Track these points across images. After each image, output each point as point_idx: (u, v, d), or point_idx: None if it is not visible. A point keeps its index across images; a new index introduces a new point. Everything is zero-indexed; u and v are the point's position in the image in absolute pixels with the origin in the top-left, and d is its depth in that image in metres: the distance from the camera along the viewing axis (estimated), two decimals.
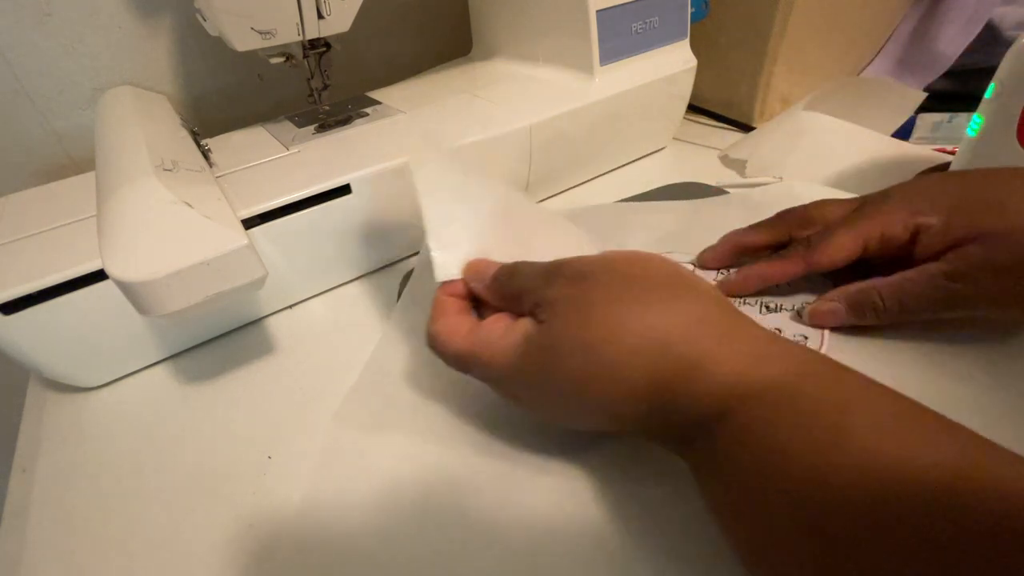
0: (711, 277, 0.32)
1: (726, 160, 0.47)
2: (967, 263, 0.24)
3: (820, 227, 0.29)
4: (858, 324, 0.27)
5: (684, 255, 0.34)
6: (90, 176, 0.36)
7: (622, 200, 0.42)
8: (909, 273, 0.25)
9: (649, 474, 0.24)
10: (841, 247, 0.27)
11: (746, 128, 0.53)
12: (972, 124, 0.32)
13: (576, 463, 0.25)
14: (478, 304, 0.27)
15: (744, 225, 0.32)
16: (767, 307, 0.30)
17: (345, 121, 0.42)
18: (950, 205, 0.25)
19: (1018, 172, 0.25)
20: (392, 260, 0.41)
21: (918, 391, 0.18)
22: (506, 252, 0.26)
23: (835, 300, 0.27)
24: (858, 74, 0.58)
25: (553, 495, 0.24)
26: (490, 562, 0.22)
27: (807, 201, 0.30)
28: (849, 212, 0.28)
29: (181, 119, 0.41)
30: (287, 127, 0.42)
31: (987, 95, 0.31)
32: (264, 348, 0.35)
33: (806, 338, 0.27)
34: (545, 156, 0.42)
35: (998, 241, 0.23)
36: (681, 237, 0.36)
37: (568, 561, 0.22)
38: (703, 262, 0.32)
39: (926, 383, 0.25)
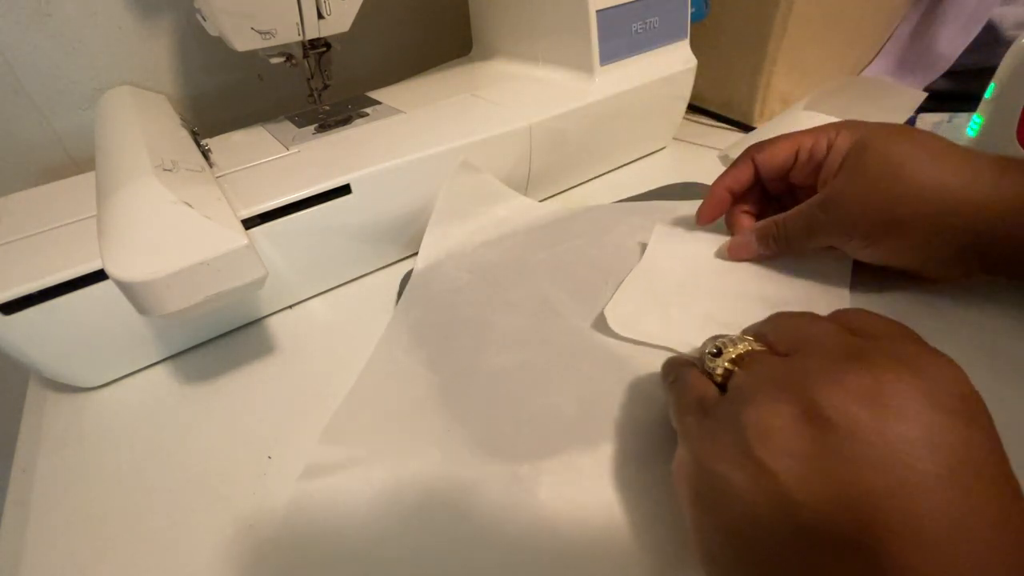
0: (709, 241, 0.33)
1: (726, 160, 0.47)
2: (833, 196, 0.27)
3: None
4: (765, 255, 0.31)
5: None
6: (90, 176, 0.36)
7: (622, 200, 0.42)
8: (801, 206, 0.29)
9: (651, 476, 0.24)
10: (780, 148, 0.30)
11: (746, 128, 0.53)
12: (972, 124, 0.32)
13: (576, 464, 0.25)
14: None
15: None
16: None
17: (345, 121, 0.42)
18: (857, 139, 0.27)
19: (931, 145, 0.26)
20: (392, 260, 0.41)
21: None
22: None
23: (749, 233, 0.31)
24: (858, 74, 0.58)
25: (553, 496, 0.24)
26: (491, 562, 0.22)
27: None
28: None
29: (181, 119, 0.41)
30: (287, 127, 0.42)
31: (987, 95, 0.31)
32: (264, 348, 0.35)
33: None
34: (545, 156, 0.42)
35: (864, 185, 0.26)
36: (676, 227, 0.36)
37: (569, 562, 0.22)
38: (701, 218, 0.34)
39: None
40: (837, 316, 0.19)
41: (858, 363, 0.15)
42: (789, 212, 0.29)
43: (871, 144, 0.26)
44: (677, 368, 0.23)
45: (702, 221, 0.33)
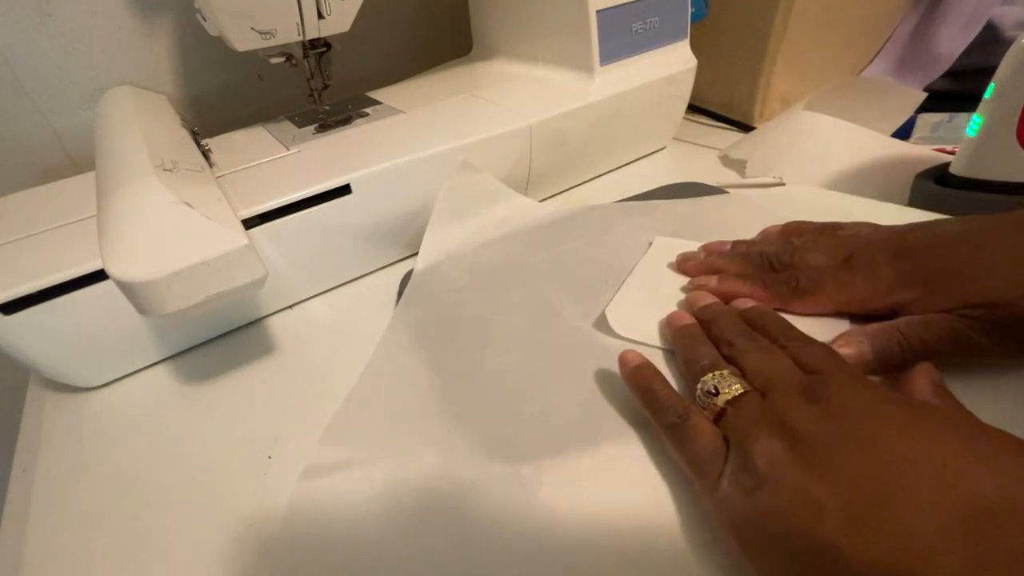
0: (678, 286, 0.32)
1: (726, 160, 0.47)
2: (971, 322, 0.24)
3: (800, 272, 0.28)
4: (878, 368, 0.25)
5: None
6: (90, 176, 0.36)
7: (622, 200, 0.42)
8: (928, 316, 0.25)
9: (651, 476, 0.24)
10: (819, 306, 0.28)
11: (746, 128, 0.53)
12: (972, 124, 0.32)
13: (577, 465, 0.25)
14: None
15: (744, 226, 0.32)
16: None
17: (345, 121, 0.42)
18: (927, 278, 0.25)
19: (998, 235, 0.24)
20: (392, 260, 0.41)
21: None
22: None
23: (861, 340, 0.25)
24: (858, 74, 0.58)
25: (553, 497, 0.24)
26: (491, 563, 0.22)
27: (805, 205, 0.30)
28: (836, 264, 0.28)
29: (181, 119, 0.41)
30: (287, 127, 0.42)
31: (987, 95, 0.31)
32: (264, 348, 0.35)
33: None
34: (545, 156, 0.42)
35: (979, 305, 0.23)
36: (680, 237, 0.36)
37: (569, 562, 0.22)
38: (684, 268, 0.32)
39: None
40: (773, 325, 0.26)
41: (810, 397, 0.21)
42: (913, 319, 0.25)
43: (962, 267, 0.24)
44: (673, 411, 0.23)
45: (685, 273, 0.32)
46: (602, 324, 0.30)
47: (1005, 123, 0.30)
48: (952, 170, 0.34)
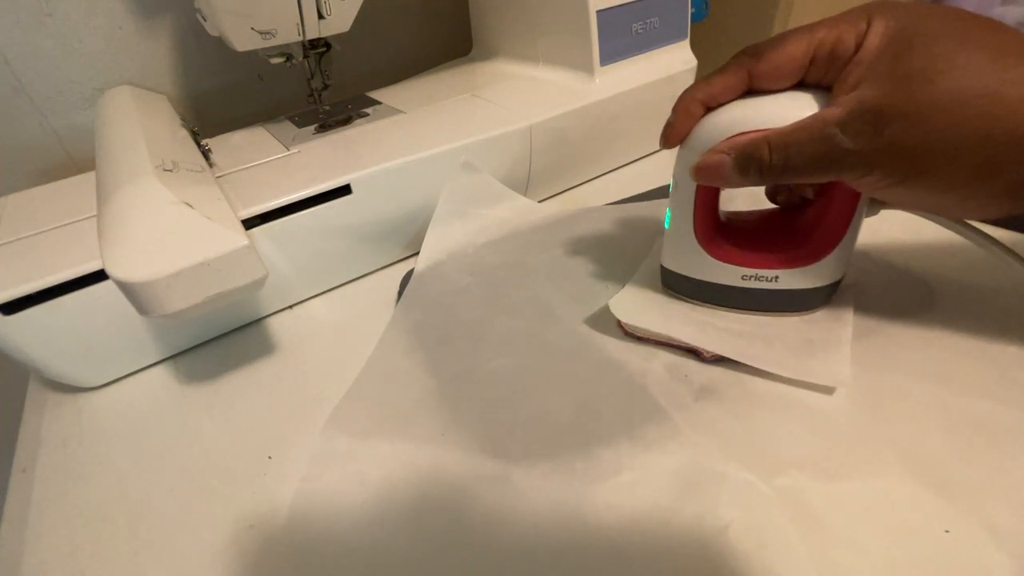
0: None
1: None
2: (862, 111, 0.20)
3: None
4: (743, 184, 0.24)
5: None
6: (90, 176, 0.36)
7: (621, 200, 0.42)
8: (804, 120, 0.22)
9: (645, 479, 0.24)
10: (790, 50, 0.23)
11: None
12: (667, 217, 0.31)
13: (571, 468, 0.25)
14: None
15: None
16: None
17: (345, 121, 0.42)
18: (895, 34, 0.21)
19: (997, 42, 0.20)
20: (392, 260, 0.41)
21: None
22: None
23: (723, 151, 0.24)
24: None
25: (547, 499, 0.24)
26: (485, 564, 0.22)
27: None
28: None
29: (181, 119, 0.41)
30: (287, 127, 0.42)
31: (671, 189, 0.29)
32: (264, 348, 0.35)
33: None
34: (545, 156, 0.42)
35: (907, 98, 0.20)
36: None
37: (562, 564, 0.22)
38: (668, 140, 0.26)
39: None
40: None
41: None
42: (787, 129, 0.22)
43: (917, 41, 0.20)
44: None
45: (669, 144, 0.26)
46: (600, 327, 0.31)
47: (685, 221, 0.28)
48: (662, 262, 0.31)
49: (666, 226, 0.29)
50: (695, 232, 0.28)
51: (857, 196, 0.25)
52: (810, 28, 0.23)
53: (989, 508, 0.21)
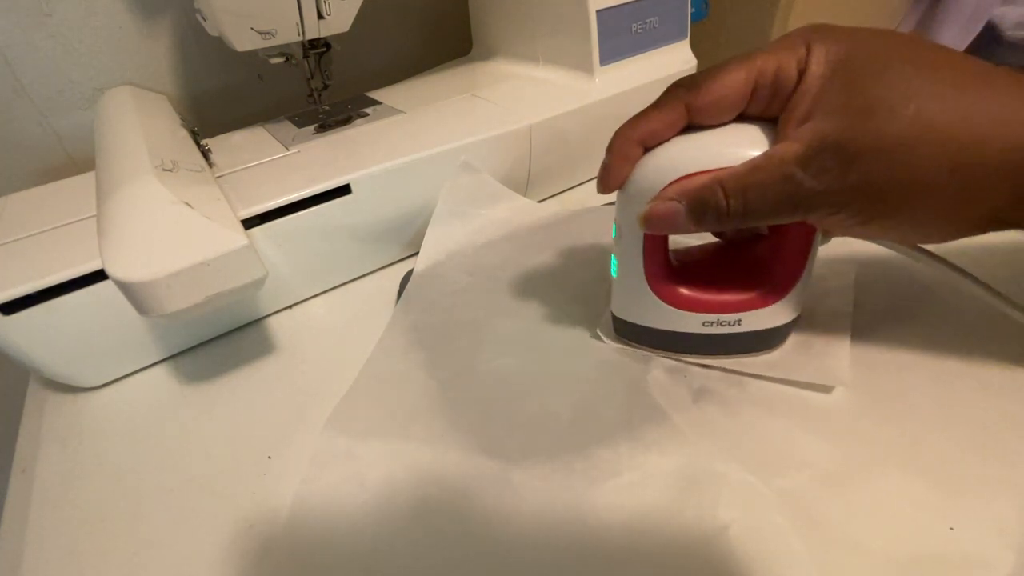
0: None
1: None
2: (822, 147, 0.19)
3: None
4: (698, 231, 0.23)
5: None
6: (90, 176, 0.36)
7: None
8: (758, 159, 0.21)
9: (643, 480, 0.24)
10: (729, 81, 0.21)
11: None
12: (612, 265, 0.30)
13: (570, 468, 0.25)
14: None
15: None
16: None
17: (345, 121, 0.42)
18: (842, 60, 0.20)
19: (947, 66, 0.19)
20: (392, 260, 0.41)
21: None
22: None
23: (673, 198, 0.22)
24: None
25: (546, 500, 0.24)
26: (486, 564, 0.22)
27: None
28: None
29: (181, 119, 0.41)
30: (287, 127, 0.42)
31: (613, 235, 0.27)
32: (264, 348, 0.35)
33: None
34: (545, 156, 0.42)
35: (872, 148, 0.19)
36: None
37: (564, 564, 0.22)
38: (606, 185, 0.24)
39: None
40: None
41: None
42: (741, 170, 0.21)
43: (868, 67, 0.19)
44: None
45: (607, 189, 0.24)
46: (599, 328, 0.30)
47: (634, 269, 0.26)
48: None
49: (613, 274, 0.27)
50: (647, 280, 0.26)
51: (812, 229, 0.24)
52: (747, 57, 0.21)
53: (993, 505, 0.21)
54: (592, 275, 0.34)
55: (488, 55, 0.53)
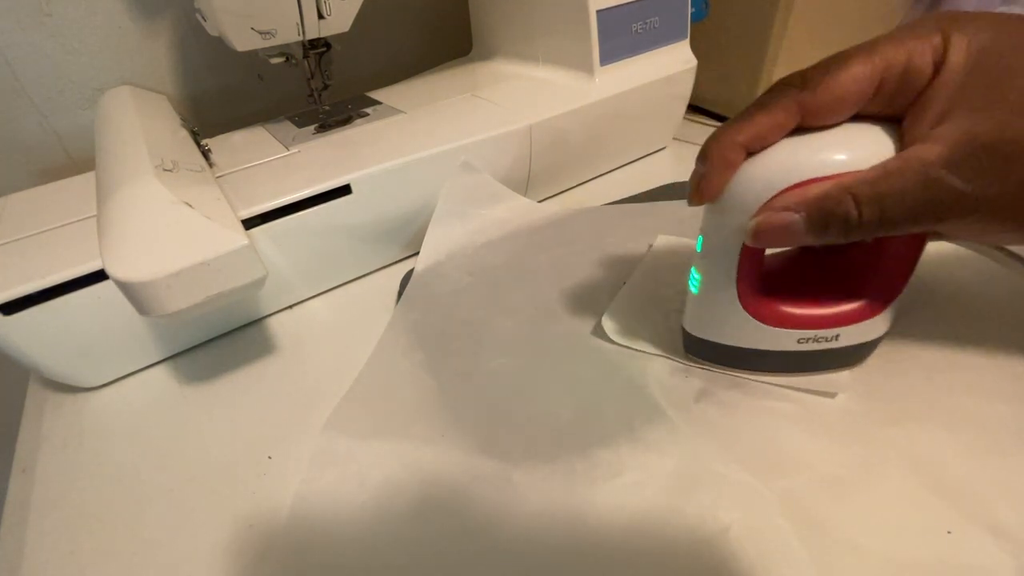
0: None
1: None
2: (974, 147, 0.17)
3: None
4: (815, 244, 0.20)
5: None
6: (90, 176, 0.36)
7: (621, 200, 0.42)
8: (890, 162, 0.19)
9: (644, 481, 0.24)
10: (851, 77, 0.19)
11: None
12: (692, 280, 0.30)
13: (570, 469, 0.25)
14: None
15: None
16: None
17: (345, 121, 0.42)
18: (987, 50, 0.17)
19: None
20: (392, 260, 0.41)
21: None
22: None
23: (790, 208, 0.20)
24: None
25: (547, 500, 0.24)
26: (486, 564, 0.22)
27: None
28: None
29: (181, 119, 0.41)
30: (287, 127, 0.42)
31: (698, 248, 0.26)
32: (264, 348, 0.35)
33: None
34: (545, 156, 0.42)
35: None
36: (682, 238, 0.36)
37: (565, 564, 0.22)
38: (703, 194, 0.22)
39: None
40: None
41: None
42: (872, 175, 0.19)
43: (1015, 59, 0.17)
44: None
45: (705, 199, 0.22)
46: (599, 329, 0.30)
47: (723, 286, 0.24)
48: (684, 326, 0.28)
49: (693, 291, 0.25)
50: (739, 298, 0.24)
51: (924, 236, 0.22)
52: (870, 47, 0.19)
53: (991, 509, 0.21)
54: (592, 275, 0.34)
55: (488, 55, 0.53)
